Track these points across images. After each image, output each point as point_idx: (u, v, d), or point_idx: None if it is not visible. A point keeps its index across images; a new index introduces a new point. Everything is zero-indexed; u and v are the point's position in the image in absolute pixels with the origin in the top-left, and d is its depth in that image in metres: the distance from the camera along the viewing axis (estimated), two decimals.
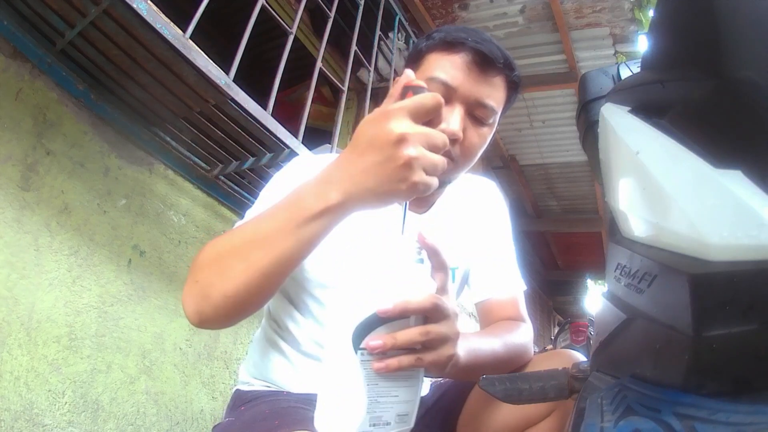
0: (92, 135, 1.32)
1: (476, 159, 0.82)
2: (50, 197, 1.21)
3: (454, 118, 0.74)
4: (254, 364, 0.88)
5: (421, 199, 0.88)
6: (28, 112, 1.18)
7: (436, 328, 0.52)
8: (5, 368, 1.08)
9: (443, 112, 0.74)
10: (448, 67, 0.76)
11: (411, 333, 0.51)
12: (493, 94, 0.78)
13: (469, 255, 0.92)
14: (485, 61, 0.75)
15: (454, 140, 0.75)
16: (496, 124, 0.83)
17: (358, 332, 0.51)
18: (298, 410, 0.70)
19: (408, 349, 0.51)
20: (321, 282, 0.80)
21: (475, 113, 0.77)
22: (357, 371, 0.51)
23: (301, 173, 0.82)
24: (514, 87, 0.82)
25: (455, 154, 0.77)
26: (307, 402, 0.71)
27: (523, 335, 0.83)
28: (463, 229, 0.92)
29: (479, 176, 1.02)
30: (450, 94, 0.75)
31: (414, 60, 0.83)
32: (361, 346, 0.51)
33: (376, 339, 0.49)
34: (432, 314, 0.52)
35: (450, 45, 0.77)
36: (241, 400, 0.83)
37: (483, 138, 0.80)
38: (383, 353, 0.50)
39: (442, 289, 0.54)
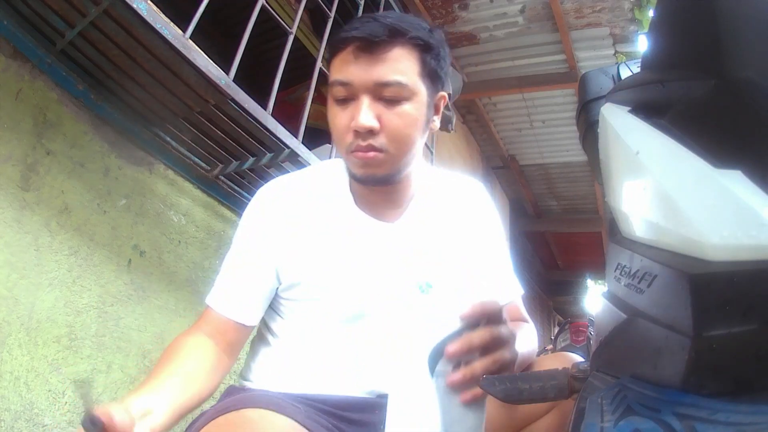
0: (92, 135, 1.32)
1: (411, 140, 0.76)
2: (50, 197, 1.21)
3: (358, 112, 0.72)
4: (249, 367, 0.90)
5: (389, 207, 0.84)
6: (28, 112, 1.18)
7: (500, 329, 0.60)
8: (5, 368, 1.08)
9: (353, 109, 0.74)
10: (339, 66, 0.75)
11: (482, 333, 0.58)
12: (394, 67, 0.73)
13: (456, 260, 0.88)
14: (367, 43, 0.72)
15: (370, 132, 0.72)
16: (423, 96, 0.76)
17: (433, 357, 0.55)
18: (274, 396, 0.71)
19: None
20: (312, 297, 0.81)
21: (384, 95, 0.73)
22: (432, 396, 0.54)
23: (270, 212, 0.83)
24: (423, 47, 0.75)
25: (380, 144, 0.73)
26: (290, 397, 0.71)
27: (532, 335, 0.86)
28: (449, 233, 0.87)
29: (465, 175, 0.97)
30: (350, 90, 0.74)
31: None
32: (438, 368, 0.56)
33: (454, 345, 0.55)
34: (496, 317, 0.60)
35: (336, 44, 0.76)
36: (228, 393, 0.84)
37: (406, 116, 0.74)
38: (458, 383, 0.56)
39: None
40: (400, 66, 0.73)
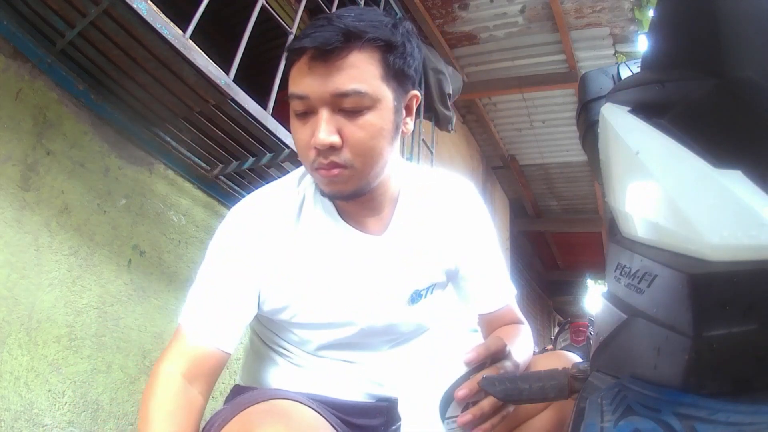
0: (92, 135, 1.32)
1: (377, 151, 0.70)
2: (50, 197, 1.21)
3: (317, 128, 0.66)
4: (249, 373, 0.89)
5: (372, 215, 0.80)
6: (28, 112, 1.18)
7: (505, 365, 0.65)
8: (5, 368, 1.08)
9: (313, 124, 0.68)
10: (295, 78, 0.69)
11: (489, 372, 0.62)
12: (352, 75, 0.66)
13: (446, 266, 0.86)
14: (321, 52, 0.65)
15: (332, 148, 0.66)
16: (387, 101, 0.69)
17: (444, 403, 0.59)
18: (292, 392, 0.72)
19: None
20: (305, 323, 0.80)
21: (344, 106, 0.67)
22: None
23: (251, 233, 0.76)
24: (384, 48, 0.68)
25: (344, 159, 0.67)
26: (302, 395, 0.72)
27: (528, 337, 0.87)
28: (438, 239, 0.84)
29: (453, 174, 0.92)
30: (308, 104, 0.68)
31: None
32: (448, 415, 0.60)
33: (463, 389, 0.59)
34: (500, 353, 0.66)
35: (291, 54, 0.69)
36: (237, 392, 0.85)
37: (370, 127, 0.68)
38: (468, 423, 0.60)
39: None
40: (359, 73, 0.66)
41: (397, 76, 0.70)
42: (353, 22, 0.67)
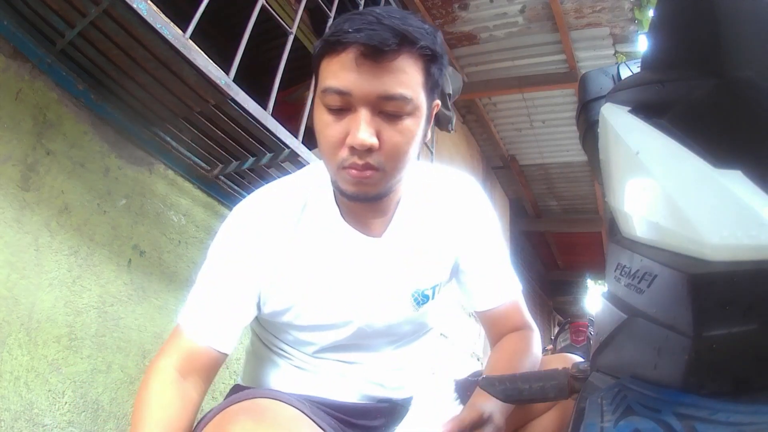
0: (92, 135, 1.32)
1: (409, 158, 0.70)
2: (50, 197, 1.21)
3: (357, 128, 0.65)
4: (249, 374, 0.90)
5: (376, 217, 0.80)
6: (28, 112, 1.18)
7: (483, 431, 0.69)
8: (5, 368, 1.08)
9: (349, 122, 0.66)
10: (337, 71, 0.65)
11: None
12: (400, 79, 0.65)
13: (449, 264, 0.86)
14: (374, 50, 0.63)
15: (369, 149, 0.65)
16: (424, 108, 0.70)
17: None
18: (282, 392, 0.72)
19: None
20: (305, 325, 0.79)
21: (386, 109, 0.66)
22: None
23: (253, 234, 0.76)
24: (429, 58, 0.68)
25: (377, 162, 0.66)
26: (296, 396, 0.72)
27: (536, 347, 0.85)
28: (440, 237, 0.84)
29: (456, 171, 0.92)
30: (348, 100, 0.65)
31: (314, 71, 0.72)
32: None
33: None
34: (478, 423, 0.69)
35: (334, 45, 0.66)
36: (234, 390, 0.86)
37: (407, 132, 0.67)
38: None
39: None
40: (407, 78, 0.66)
41: (433, 86, 0.71)
42: (403, 25, 0.65)
